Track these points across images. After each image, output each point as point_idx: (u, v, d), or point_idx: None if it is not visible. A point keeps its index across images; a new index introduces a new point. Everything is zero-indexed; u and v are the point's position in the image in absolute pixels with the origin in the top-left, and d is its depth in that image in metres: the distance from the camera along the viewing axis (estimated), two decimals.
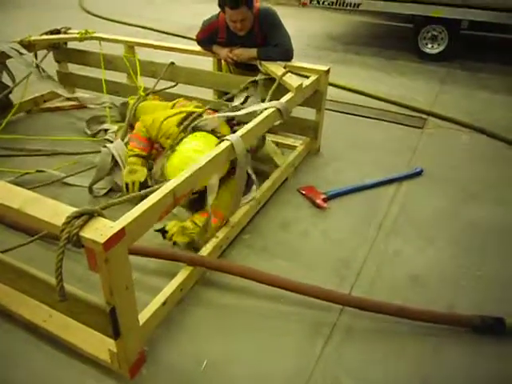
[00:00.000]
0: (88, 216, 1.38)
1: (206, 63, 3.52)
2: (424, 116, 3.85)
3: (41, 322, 1.79)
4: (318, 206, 2.59)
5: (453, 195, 2.76)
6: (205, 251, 2.10)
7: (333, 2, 5.51)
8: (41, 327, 1.79)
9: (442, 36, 5.16)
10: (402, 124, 3.71)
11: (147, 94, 3.24)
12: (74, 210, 1.40)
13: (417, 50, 5.36)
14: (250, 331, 1.85)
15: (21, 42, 3.58)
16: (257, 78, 2.98)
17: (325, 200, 2.62)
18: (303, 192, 2.70)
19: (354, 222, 2.51)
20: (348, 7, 5.40)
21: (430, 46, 5.29)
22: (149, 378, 1.66)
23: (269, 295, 1.98)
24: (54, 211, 1.43)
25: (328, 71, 2.98)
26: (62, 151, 3.05)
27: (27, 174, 2.74)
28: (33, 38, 3.65)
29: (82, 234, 1.33)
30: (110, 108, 3.46)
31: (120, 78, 3.68)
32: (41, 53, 3.69)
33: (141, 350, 1.65)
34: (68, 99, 3.76)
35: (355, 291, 2.05)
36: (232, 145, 2.05)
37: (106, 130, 3.26)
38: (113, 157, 2.67)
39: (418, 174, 2.95)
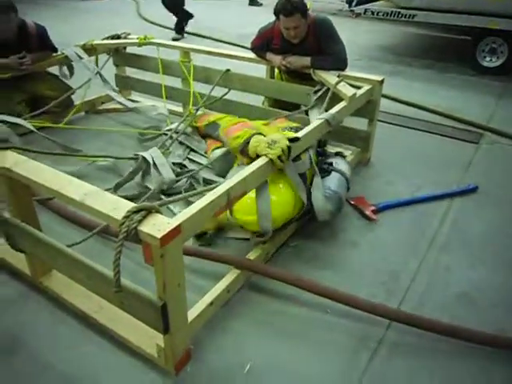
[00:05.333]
0: (146, 211, 1.42)
1: (259, 71, 3.56)
2: (480, 131, 3.71)
3: (92, 312, 1.86)
4: (368, 218, 2.54)
5: (508, 215, 2.63)
6: (251, 255, 2.12)
7: (387, 13, 5.44)
8: (91, 317, 1.85)
9: (502, 49, 4.97)
10: (456, 138, 3.58)
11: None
12: (134, 205, 1.44)
13: (474, 63, 5.18)
14: (295, 339, 1.83)
15: (84, 46, 3.77)
16: (319, 94, 2.93)
17: (374, 212, 2.57)
18: (352, 202, 2.65)
19: (404, 235, 2.45)
20: (403, 18, 5.31)
21: (488, 59, 5.10)
22: (192, 375, 1.67)
23: (315, 304, 1.96)
24: (113, 205, 1.49)
25: (382, 81, 2.94)
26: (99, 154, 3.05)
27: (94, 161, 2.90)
28: (95, 42, 3.84)
29: (140, 228, 1.37)
30: (166, 117, 3.51)
31: (173, 82, 3.78)
32: (101, 56, 3.87)
33: (187, 347, 1.67)
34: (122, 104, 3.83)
35: (403, 306, 1.98)
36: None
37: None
38: (146, 163, 2.70)
39: (472, 190, 2.84)
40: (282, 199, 2.12)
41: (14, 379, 1.68)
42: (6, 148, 1.88)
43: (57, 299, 1.97)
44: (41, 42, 3.45)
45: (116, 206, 1.48)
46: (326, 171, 2.43)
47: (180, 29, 6.74)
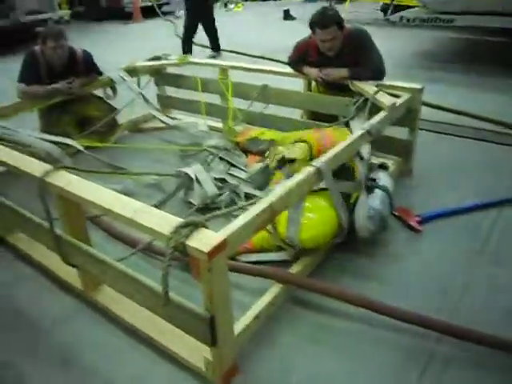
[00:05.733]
0: (193, 226, 1.46)
1: (296, 85, 3.59)
2: None
3: (140, 325, 1.91)
4: (413, 229, 2.48)
5: None
6: (295, 269, 2.12)
7: (423, 20, 5.37)
8: (139, 330, 1.90)
9: None
10: (502, 144, 3.46)
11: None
12: (182, 220, 1.49)
13: None
14: (341, 353, 1.81)
15: (127, 68, 3.93)
16: (358, 104, 2.90)
17: (419, 222, 2.51)
18: (396, 213, 2.59)
19: (451, 246, 2.37)
20: (441, 23, 5.22)
21: None
22: None
23: (361, 318, 1.93)
24: (161, 221, 1.54)
25: (422, 89, 2.89)
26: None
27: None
28: (137, 64, 4.00)
29: (188, 243, 1.41)
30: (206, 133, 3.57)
31: (212, 99, 3.87)
32: (143, 77, 4.03)
33: (233, 360, 1.69)
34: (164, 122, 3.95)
35: (453, 319, 1.92)
36: (318, 170, 2.00)
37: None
38: (189, 179, 2.76)
39: None
40: (322, 218, 2.14)
41: None
42: (59, 168, 1.99)
43: (106, 313, 2.04)
44: (87, 67, 3.63)
45: (164, 222, 1.53)
46: (368, 188, 2.37)
47: (216, 46, 6.90)
